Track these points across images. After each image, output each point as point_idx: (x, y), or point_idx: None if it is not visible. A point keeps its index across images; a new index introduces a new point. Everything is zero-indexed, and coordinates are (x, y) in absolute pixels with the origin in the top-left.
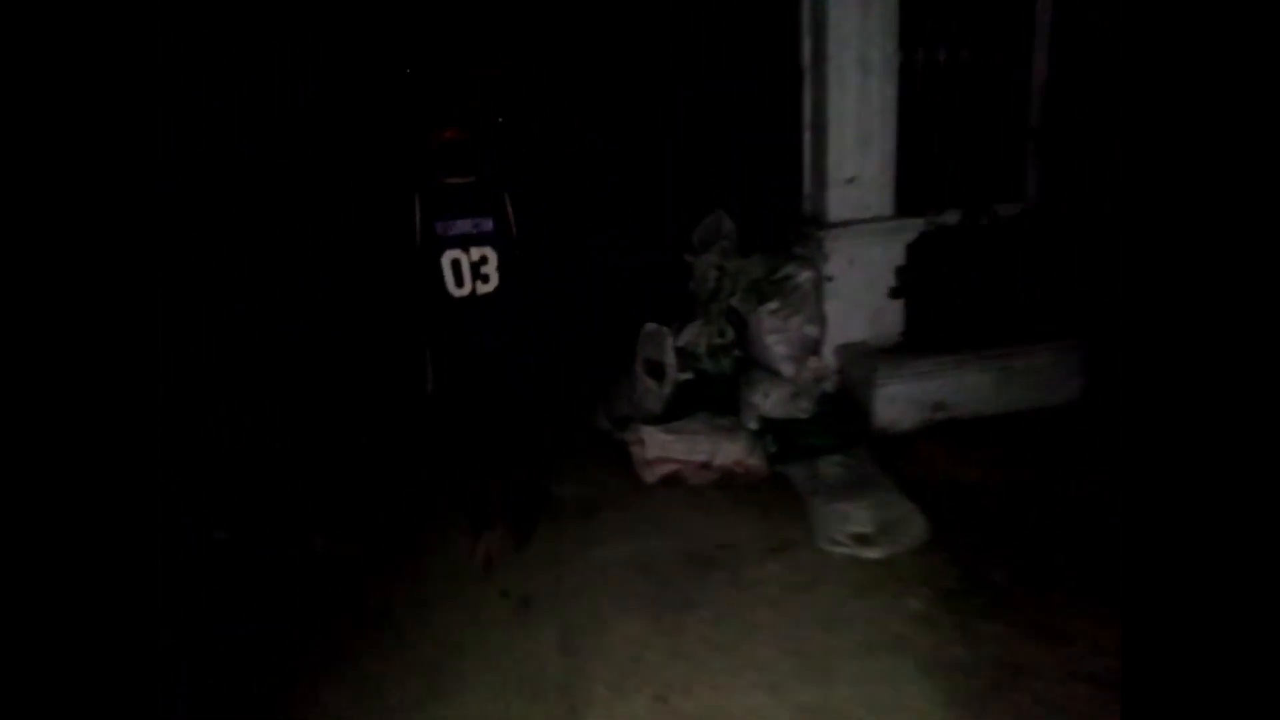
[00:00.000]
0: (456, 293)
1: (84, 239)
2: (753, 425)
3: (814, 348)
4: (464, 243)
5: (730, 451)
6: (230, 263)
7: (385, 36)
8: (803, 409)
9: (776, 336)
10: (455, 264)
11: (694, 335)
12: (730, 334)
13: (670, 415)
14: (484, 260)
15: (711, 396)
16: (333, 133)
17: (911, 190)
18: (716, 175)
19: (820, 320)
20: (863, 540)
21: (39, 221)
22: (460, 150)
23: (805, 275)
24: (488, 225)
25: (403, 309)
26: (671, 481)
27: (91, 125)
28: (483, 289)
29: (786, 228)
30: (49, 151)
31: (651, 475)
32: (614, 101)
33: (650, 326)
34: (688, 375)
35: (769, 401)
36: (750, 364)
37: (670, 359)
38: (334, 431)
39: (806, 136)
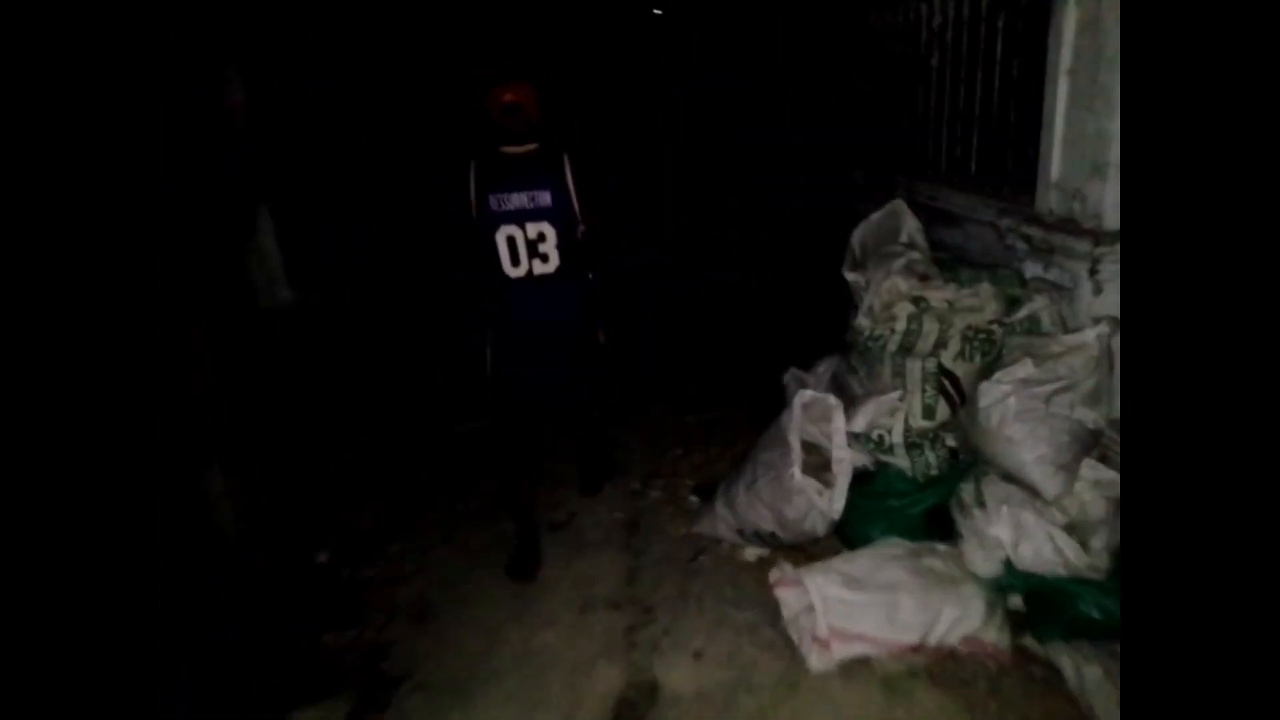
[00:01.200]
0: (512, 273)
1: (83, 239)
2: (986, 571)
3: (1089, 445)
4: (519, 218)
5: (957, 623)
6: (230, 263)
7: (385, 35)
8: (1094, 567)
9: (1028, 425)
10: (510, 241)
11: (882, 413)
12: (942, 412)
13: (839, 535)
14: (541, 237)
15: (905, 512)
16: (330, 132)
17: None
18: (716, 175)
19: (1103, 397)
20: None
21: (39, 223)
22: (519, 114)
23: (1094, 332)
24: (545, 199)
25: (458, 289)
26: (854, 667)
27: (91, 126)
28: (540, 269)
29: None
30: (49, 153)
31: (823, 659)
32: (613, 101)
33: (807, 394)
34: (863, 464)
35: (1028, 545)
36: (971, 461)
37: (843, 451)
38: (333, 431)
39: (1059, 88)
